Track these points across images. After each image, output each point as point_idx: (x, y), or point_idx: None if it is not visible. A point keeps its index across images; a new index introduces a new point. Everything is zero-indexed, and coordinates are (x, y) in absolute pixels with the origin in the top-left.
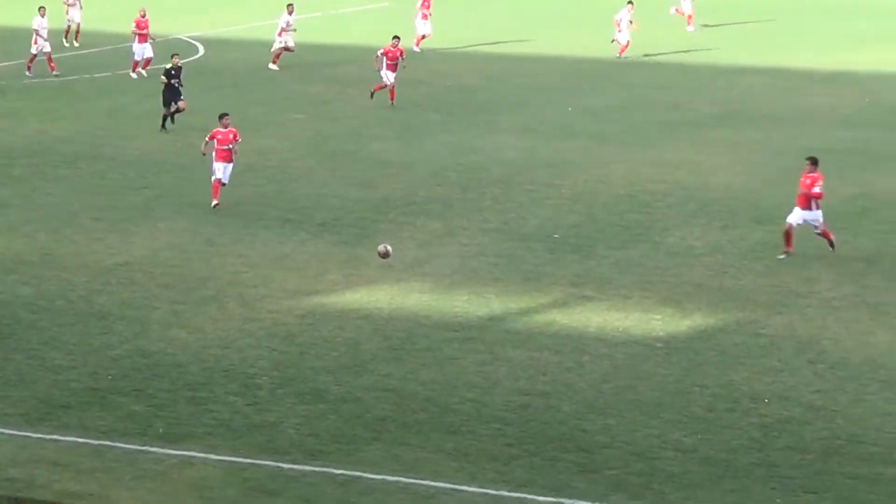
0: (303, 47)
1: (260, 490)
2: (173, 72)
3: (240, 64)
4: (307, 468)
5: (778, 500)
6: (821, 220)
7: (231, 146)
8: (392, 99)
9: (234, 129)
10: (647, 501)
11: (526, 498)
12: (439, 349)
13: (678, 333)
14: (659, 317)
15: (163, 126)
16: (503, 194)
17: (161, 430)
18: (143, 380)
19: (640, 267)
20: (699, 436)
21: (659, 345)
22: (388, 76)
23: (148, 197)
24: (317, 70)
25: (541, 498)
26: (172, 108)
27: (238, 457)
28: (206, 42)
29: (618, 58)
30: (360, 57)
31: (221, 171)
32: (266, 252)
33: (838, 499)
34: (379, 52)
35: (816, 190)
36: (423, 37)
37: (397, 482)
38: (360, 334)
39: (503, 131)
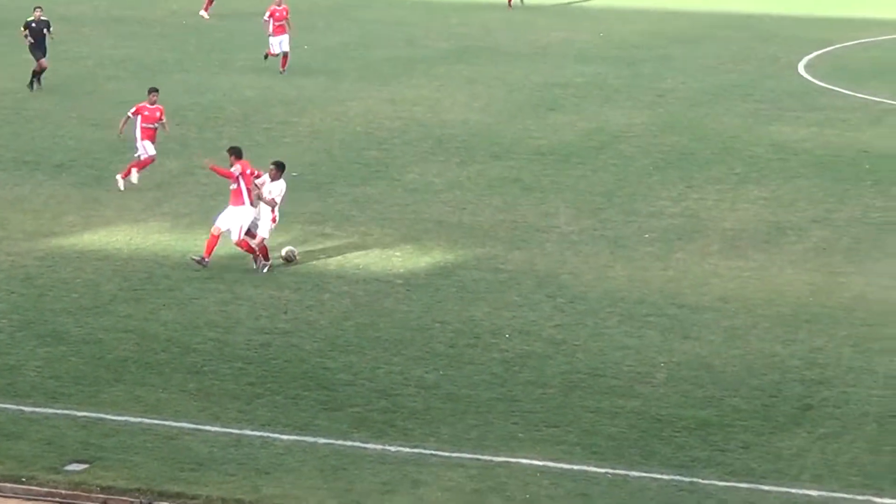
0: None
1: (1, 434)
2: (34, 24)
3: None
4: (49, 411)
5: (520, 435)
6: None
7: (157, 125)
8: (283, 66)
9: (161, 107)
10: (391, 438)
11: (269, 437)
12: (180, 289)
13: (418, 270)
14: (399, 254)
15: (31, 83)
16: (241, 133)
17: None
18: None
19: (379, 204)
20: (441, 372)
21: (399, 281)
22: (275, 44)
23: None
24: (49, 9)
25: (284, 436)
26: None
27: None
28: None
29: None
30: None
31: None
32: (2, 195)
33: (580, 432)
34: (265, 16)
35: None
36: None
37: (140, 423)
38: (99, 275)
39: (239, 70)
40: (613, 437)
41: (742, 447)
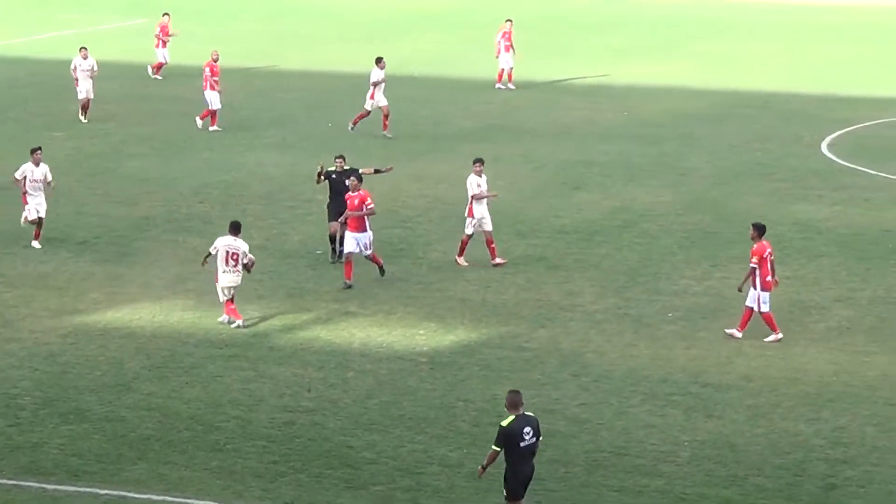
0: (58, 63)
1: None
2: (334, 175)
3: None
4: (72, 489)
5: None
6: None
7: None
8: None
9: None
10: None
11: None
12: (203, 367)
13: (442, 348)
14: (423, 332)
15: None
16: (265, 211)
17: None
18: None
19: (403, 282)
20: (465, 450)
21: (423, 360)
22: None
23: None
24: (73, 87)
25: None
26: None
27: (1, 478)
28: None
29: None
30: (118, 73)
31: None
32: (27, 271)
33: None
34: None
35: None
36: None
37: (163, 501)
38: (123, 353)
39: (265, 147)
40: None
41: None
